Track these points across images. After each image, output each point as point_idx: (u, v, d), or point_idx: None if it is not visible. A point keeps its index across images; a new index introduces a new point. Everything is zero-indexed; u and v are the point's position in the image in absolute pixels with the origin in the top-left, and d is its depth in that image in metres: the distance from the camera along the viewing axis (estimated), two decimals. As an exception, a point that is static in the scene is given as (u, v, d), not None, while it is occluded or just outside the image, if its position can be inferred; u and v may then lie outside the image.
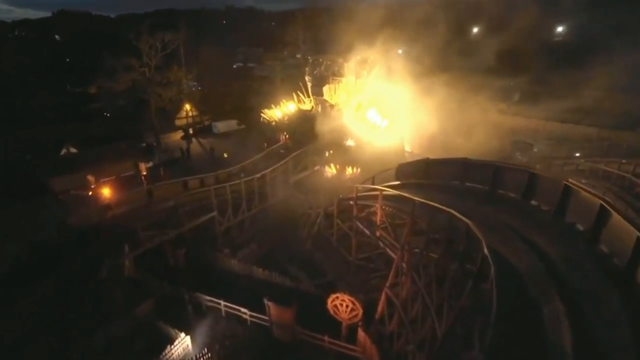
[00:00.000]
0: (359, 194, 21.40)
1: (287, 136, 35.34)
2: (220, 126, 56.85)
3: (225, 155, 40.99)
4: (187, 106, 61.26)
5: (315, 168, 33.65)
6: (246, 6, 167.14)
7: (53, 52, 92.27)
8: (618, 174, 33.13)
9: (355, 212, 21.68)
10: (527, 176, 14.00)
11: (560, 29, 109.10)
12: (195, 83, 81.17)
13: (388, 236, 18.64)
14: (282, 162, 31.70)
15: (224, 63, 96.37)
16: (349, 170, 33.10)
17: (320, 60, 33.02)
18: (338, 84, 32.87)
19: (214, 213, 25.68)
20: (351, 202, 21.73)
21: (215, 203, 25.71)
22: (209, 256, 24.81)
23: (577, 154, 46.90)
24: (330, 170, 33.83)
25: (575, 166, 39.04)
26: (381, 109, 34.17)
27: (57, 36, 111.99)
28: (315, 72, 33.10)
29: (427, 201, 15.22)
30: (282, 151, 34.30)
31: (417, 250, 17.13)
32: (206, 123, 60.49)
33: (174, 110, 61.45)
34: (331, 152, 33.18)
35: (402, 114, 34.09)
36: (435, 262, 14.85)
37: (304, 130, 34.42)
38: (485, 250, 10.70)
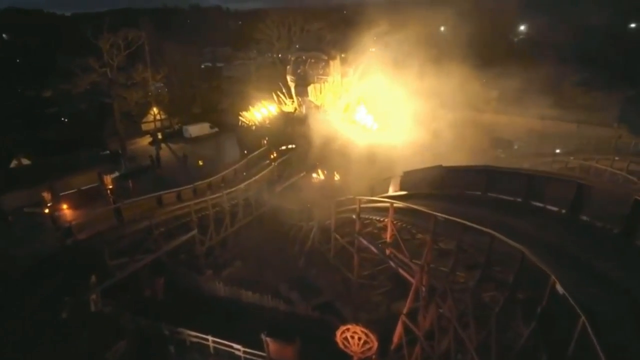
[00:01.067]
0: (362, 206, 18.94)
1: (268, 140, 32.44)
2: (192, 130, 52.89)
3: (201, 163, 37.49)
4: (155, 109, 56.79)
5: (301, 175, 30.96)
6: (212, 5, 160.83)
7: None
8: (611, 171, 32.56)
9: (358, 227, 19.21)
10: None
11: (522, 27, 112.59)
12: (161, 84, 76.45)
13: (402, 255, 16.27)
14: (266, 170, 28.85)
15: (191, 63, 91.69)
16: (338, 176, 30.67)
17: (304, 57, 30.33)
18: (324, 83, 30.32)
19: (194, 232, 22.49)
20: (353, 216, 19.20)
21: (195, 220, 22.51)
22: (190, 282, 21.63)
23: (558, 150, 46.77)
24: (318, 177, 31.26)
25: (564, 164, 38.45)
26: (371, 110, 31.94)
27: (4, 35, 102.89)
28: (298, 70, 30.38)
29: (455, 218, 12.92)
30: (264, 157, 31.40)
31: (437, 271, 15.05)
32: (176, 127, 56.29)
33: (141, 114, 56.93)
34: (318, 156, 30.59)
35: (390, 115, 32.01)
36: (471, 290, 12.61)
37: (287, 134, 31.63)
38: (560, 289, 8.48)
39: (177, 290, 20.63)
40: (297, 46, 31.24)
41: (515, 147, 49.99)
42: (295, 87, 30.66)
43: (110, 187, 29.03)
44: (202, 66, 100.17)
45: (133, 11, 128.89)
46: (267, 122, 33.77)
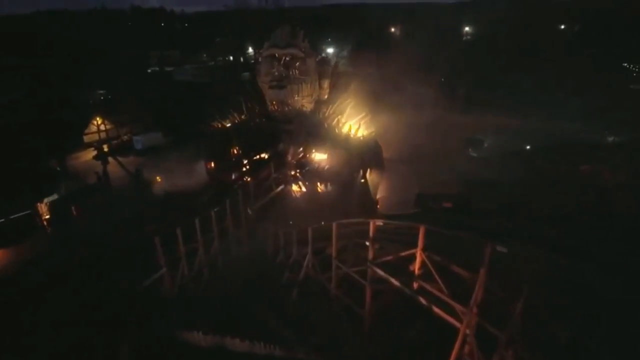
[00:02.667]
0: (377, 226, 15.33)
1: (239, 151, 27.96)
2: (144, 140, 46.62)
3: (159, 179, 32.07)
4: (98, 119, 49.76)
5: (279, 188, 26.86)
6: (156, 6, 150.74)
7: None
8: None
9: (371, 254, 15.59)
10: None
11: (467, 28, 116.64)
12: (102, 91, 68.60)
13: (438, 292, 12.88)
14: (239, 184, 24.49)
15: (136, 67, 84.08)
16: (321, 188, 26.91)
17: (277, 55, 26.26)
18: (302, 85, 26.48)
19: (163, 270, 17.75)
20: (367, 243, 15.54)
21: (162, 256, 17.77)
22: (162, 337, 16.88)
23: (528, 147, 46.37)
24: (298, 189, 27.30)
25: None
26: (352, 114, 28.60)
27: None
28: (273, 70, 26.23)
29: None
30: (235, 170, 26.93)
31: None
32: (125, 137, 49.59)
33: (82, 123, 49.69)
34: (298, 167, 26.67)
35: (369, 120, 29.00)
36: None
37: (261, 142, 27.37)
38: None
39: (146, 353, 15.82)
40: (268, 43, 26.93)
41: (486, 145, 49.13)
42: (270, 88, 26.49)
43: (47, 217, 23.19)
44: (149, 70, 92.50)
45: (64, 12, 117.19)
46: (236, 129, 29.24)
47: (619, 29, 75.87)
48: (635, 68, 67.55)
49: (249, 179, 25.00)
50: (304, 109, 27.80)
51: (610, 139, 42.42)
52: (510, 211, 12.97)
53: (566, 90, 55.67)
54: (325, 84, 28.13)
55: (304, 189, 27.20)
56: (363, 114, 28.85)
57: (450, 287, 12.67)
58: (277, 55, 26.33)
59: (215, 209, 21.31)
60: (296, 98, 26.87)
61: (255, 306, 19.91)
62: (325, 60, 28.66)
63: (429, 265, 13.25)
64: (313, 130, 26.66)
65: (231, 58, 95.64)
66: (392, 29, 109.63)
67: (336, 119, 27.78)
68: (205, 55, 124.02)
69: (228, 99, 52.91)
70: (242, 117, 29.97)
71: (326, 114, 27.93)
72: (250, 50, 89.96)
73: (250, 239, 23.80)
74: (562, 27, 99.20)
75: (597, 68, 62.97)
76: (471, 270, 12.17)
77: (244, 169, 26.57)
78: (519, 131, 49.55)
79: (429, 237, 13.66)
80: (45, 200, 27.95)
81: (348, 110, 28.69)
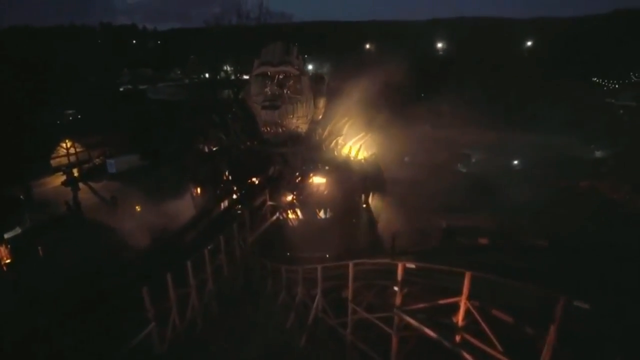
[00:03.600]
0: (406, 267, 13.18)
1: (229, 176, 25.38)
2: (118, 164, 43.09)
3: (138, 209, 28.91)
4: (68, 141, 45.82)
5: (274, 217, 24.42)
6: (127, 23, 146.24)
7: None
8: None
9: (399, 300, 13.41)
10: None
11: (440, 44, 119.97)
12: (71, 111, 64.34)
13: (490, 349, 10.83)
14: (234, 215, 21.88)
15: (107, 86, 79.94)
16: (321, 215, 24.64)
17: (269, 73, 24.11)
18: (297, 104, 24.37)
19: (152, 325, 14.88)
20: (395, 288, 13.33)
21: (151, 308, 14.91)
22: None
23: (516, 162, 45.96)
24: (295, 217, 24.92)
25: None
26: (350, 135, 26.72)
27: None
28: (266, 89, 23.99)
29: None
30: (225, 198, 24.27)
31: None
32: (97, 161, 45.79)
33: (49, 146, 45.62)
34: (295, 192, 24.35)
35: (369, 140, 27.24)
36: None
37: (253, 167, 24.93)
38: None
39: None
40: (259, 60, 24.76)
41: (473, 160, 48.45)
42: (263, 109, 24.21)
43: (7, 261, 19.71)
44: (121, 89, 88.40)
45: (32, 29, 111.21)
46: (226, 149, 26.66)
47: (585, 46, 78.82)
48: (604, 82, 69.70)
49: (241, 208, 22.39)
50: (299, 130, 25.62)
51: (598, 152, 42.50)
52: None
53: (544, 105, 56.30)
54: (321, 102, 26.12)
55: (301, 217, 24.85)
56: (362, 134, 27.00)
57: (504, 344, 10.65)
58: (269, 73, 24.18)
59: (209, 246, 18.61)
60: (291, 119, 24.70)
61: (257, 356, 17.34)
62: (320, 77, 26.74)
63: (477, 316, 11.19)
64: (310, 153, 24.50)
65: (207, 75, 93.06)
66: (367, 46, 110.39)
67: (335, 141, 25.76)
68: (179, 72, 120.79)
69: (209, 119, 50.02)
70: (230, 139, 27.44)
71: (323, 135, 25.87)
72: (228, 67, 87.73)
73: (247, 277, 21.16)
74: (529, 44, 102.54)
75: (570, 83, 64.48)
76: (533, 325, 10.23)
77: (235, 197, 23.94)
78: (504, 145, 49.28)
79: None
80: (6, 236, 24.39)
81: (346, 130, 26.80)
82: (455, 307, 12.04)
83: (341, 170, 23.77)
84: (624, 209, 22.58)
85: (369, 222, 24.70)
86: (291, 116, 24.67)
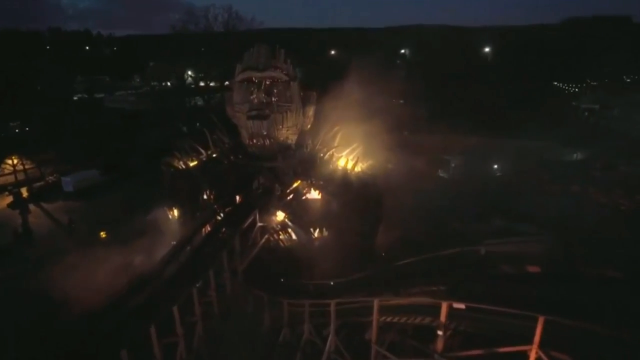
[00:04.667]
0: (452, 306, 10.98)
1: (210, 196, 22.28)
2: (75, 181, 38.28)
3: (103, 235, 25.02)
4: (14, 157, 40.39)
5: (264, 239, 21.61)
6: (79, 29, 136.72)
7: None
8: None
9: (440, 345, 11.18)
10: None
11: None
12: (14, 123, 57.66)
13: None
14: (221, 241, 18.87)
15: (59, 95, 73.12)
16: (316, 235, 22.12)
17: (255, 80, 21.34)
18: (286, 113, 21.77)
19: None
20: (440, 332, 11.06)
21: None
22: None
23: (495, 166, 45.59)
24: (288, 238, 22.22)
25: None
26: (342, 145, 24.45)
27: None
28: (251, 97, 21.16)
29: None
30: (210, 220, 21.17)
31: None
32: (50, 178, 40.65)
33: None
34: (287, 211, 21.66)
35: (363, 150, 25.14)
36: None
37: (238, 184, 22.01)
38: None
39: None
40: (242, 65, 21.96)
41: (453, 165, 47.71)
42: (249, 119, 21.38)
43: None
44: (75, 98, 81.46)
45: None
46: (206, 165, 23.52)
47: (542, 52, 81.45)
48: (565, 86, 72.20)
49: (228, 232, 19.45)
50: (289, 141, 23.04)
51: (576, 155, 42.91)
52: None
53: (516, 109, 56.90)
54: (310, 111, 23.66)
55: (295, 238, 22.19)
56: (355, 145, 24.81)
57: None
58: (254, 79, 21.46)
59: (196, 284, 15.60)
60: (280, 129, 22.04)
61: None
62: (307, 86, 24.33)
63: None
64: (303, 166, 21.97)
65: (169, 83, 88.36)
66: (332, 52, 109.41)
67: (329, 152, 23.38)
68: (139, 80, 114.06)
69: (177, 129, 45.98)
70: (210, 153, 24.38)
71: (317, 147, 23.43)
72: (190, 73, 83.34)
73: (241, 314, 18.22)
74: (487, 50, 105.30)
75: (535, 88, 66.10)
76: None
77: (220, 219, 20.91)
78: (482, 150, 48.97)
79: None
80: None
81: (338, 141, 24.54)
82: (518, 357, 10.02)
83: (338, 184, 21.37)
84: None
85: (369, 238, 22.51)
86: (280, 126, 22.04)
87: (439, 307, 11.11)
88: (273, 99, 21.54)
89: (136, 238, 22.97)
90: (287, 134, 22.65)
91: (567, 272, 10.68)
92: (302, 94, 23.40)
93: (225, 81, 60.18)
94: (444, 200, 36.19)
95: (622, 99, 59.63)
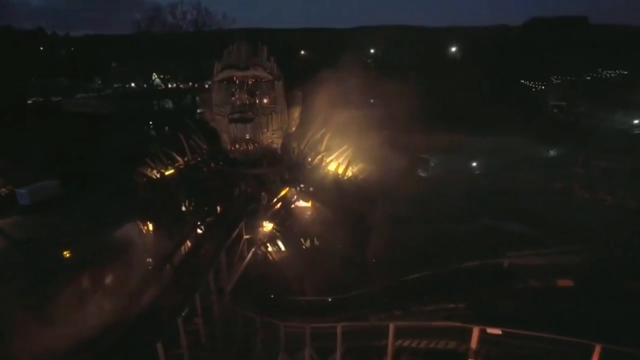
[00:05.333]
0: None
1: (192, 206, 20.17)
2: (32, 193, 34.63)
3: (67, 255, 22.24)
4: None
5: (251, 251, 19.78)
6: (32, 28, 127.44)
7: None
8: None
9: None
10: None
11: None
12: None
13: None
14: (205, 259, 16.87)
15: (8, 98, 67.41)
16: (307, 245, 20.50)
17: (236, 80, 19.41)
18: (271, 115, 19.98)
19: None
20: (471, 360, 9.76)
21: None
22: None
23: (474, 163, 45.57)
24: (277, 251, 20.48)
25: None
26: (331, 148, 22.96)
27: None
28: (233, 98, 19.22)
29: None
30: (190, 234, 19.07)
31: None
32: (2, 190, 36.65)
33: None
34: (275, 220, 19.92)
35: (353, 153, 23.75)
36: None
37: (220, 194, 20.03)
38: None
39: None
40: (221, 64, 19.98)
41: (432, 164, 47.37)
42: (231, 122, 19.45)
43: None
44: (29, 102, 75.49)
45: None
46: (184, 173, 21.34)
47: (507, 52, 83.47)
48: (532, 84, 74.13)
49: (211, 247, 17.50)
50: (274, 145, 21.28)
51: (552, 152, 43.50)
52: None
53: (489, 107, 57.46)
54: (296, 112, 21.98)
55: (283, 249, 20.48)
56: (344, 147, 23.37)
57: None
58: (236, 79, 19.56)
59: (183, 313, 13.62)
60: (265, 133, 20.26)
61: None
62: (292, 83, 22.61)
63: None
64: (291, 173, 20.28)
65: (133, 85, 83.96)
66: (302, 52, 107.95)
67: (319, 156, 21.81)
68: (100, 82, 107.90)
69: (144, 134, 43.19)
70: (187, 160, 22.21)
71: (301, 150, 21.81)
72: (157, 75, 79.30)
73: (231, 340, 16.32)
74: (454, 49, 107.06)
75: (504, 86, 67.36)
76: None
77: (202, 232, 18.88)
78: (460, 148, 48.95)
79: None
80: None
81: (325, 144, 23.03)
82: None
83: (330, 191, 19.85)
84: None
85: (363, 247, 21.13)
86: (265, 130, 20.27)
87: (466, 331, 9.86)
88: (257, 100, 19.71)
89: (106, 257, 20.49)
90: (272, 137, 20.90)
91: (605, 286, 9.66)
92: (286, 94, 21.65)
93: (196, 82, 57.34)
94: (427, 200, 35.50)
95: (585, 96, 61.72)
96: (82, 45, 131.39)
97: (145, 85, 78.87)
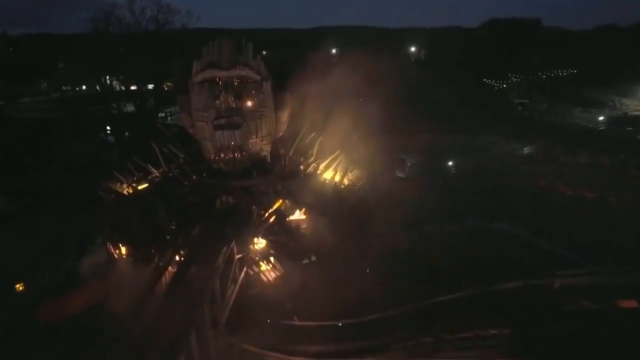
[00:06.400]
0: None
1: (172, 224, 17.61)
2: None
3: (20, 288, 18.79)
4: None
5: (243, 273, 17.59)
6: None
7: None
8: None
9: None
10: None
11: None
12: None
13: None
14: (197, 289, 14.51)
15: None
16: (304, 261, 18.62)
17: (219, 81, 17.04)
18: (260, 120, 17.78)
19: None
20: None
21: None
22: None
23: (450, 163, 45.43)
24: (273, 270, 18.41)
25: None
26: (323, 154, 21.10)
27: None
28: (217, 101, 16.78)
29: None
30: (170, 258, 16.54)
31: None
32: None
33: None
34: (269, 237, 17.84)
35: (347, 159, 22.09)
36: None
37: (204, 210, 17.65)
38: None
39: None
40: (200, 63, 17.60)
41: (409, 164, 46.81)
42: (216, 129, 17.05)
43: None
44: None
45: None
46: (160, 188, 18.65)
47: (472, 52, 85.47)
48: (494, 83, 76.25)
49: (201, 271, 15.19)
50: (263, 153, 19.13)
51: (526, 149, 44.20)
52: None
53: (458, 106, 58.01)
54: (284, 116, 19.91)
55: (279, 268, 18.44)
56: (337, 153, 21.56)
57: None
58: (218, 79, 17.25)
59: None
60: (254, 140, 18.08)
61: None
62: (280, 84, 20.49)
63: None
64: (284, 182, 18.27)
65: (84, 88, 77.73)
66: (264, 52, 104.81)
67: (313, 164, 19.89)
68: (45, 85, 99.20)
69: (102, 140, 39.77)
70: (163, 171, 19.55)
71: (295, 158, 19.84)
72: (112, 76, 73.55)
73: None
74: (412, 49, 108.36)
75: (468, 85, 68.55)
76: None
77: (187, 256, 16.44)
78: (435, 148, 48.79)
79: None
80: None
81: (317, 149, 21.15)
82: None
83: (329, 201, 18.10)
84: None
85: (365, 258, 19.56)
86: (254, 136, 18.09)
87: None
88: (243, 103, 17.50)
89: (69, 289, 17.50)
90: (261, 144, 18.75)
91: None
92: (273, 96, 19.57)
93: (159, 83, 53.37)
94: (408, 201, 34.53)
95: (544, 94, 64.15)
96: (23, 44, 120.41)
97: (98, 88, 72.99)
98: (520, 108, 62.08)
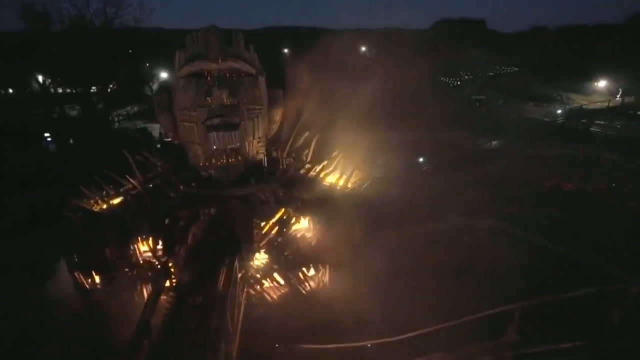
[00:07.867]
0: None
1: (154, 247, 14.89)
2: None
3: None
4: None
5: (245, 293, 15.36)
6: None
7: None
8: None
9: None
10: None
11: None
12: None
13: None
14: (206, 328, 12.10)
15: None
16: (310, 274, 16.75)
17: (209, 74, 14.63)
18: (257, 119, 15.57)
19: None
20: None
21: None
22: None
23: (421, 159, 45.31)
24: (276, 288, 16.34)
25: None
26: (322, 156, 19.30)
27: None
28: (209, 98, 14.30)
29: None
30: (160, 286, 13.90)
31: None
32: None
33: None
34: (272, 251, 15.74)
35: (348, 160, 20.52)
36: None
37: (195, 225, 15.16)
38: None
39: None
40: (186, 54, 15.08)
41: (380, 162, 46.14)
42: (210, 131, 14.55)
43: None
44: None
45: None
46: (141, 203, 15.77)
47: (424, 51, 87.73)
48: (450, 80, 78.75)
49: (208, 303, 12.80)
50: (260, 156, 16.93)
51: (494, 143, 45.33)
52: None
53: (420, 103, 58.52)
54: (278, 115, 17.80)
55: (283, 284, 16.43)
56: (336, 153, 19.85)
57: None
58: (208, 73, 14.83)
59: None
60: (251, 141, 15.85)
61: None
62: (274, 80, 18.34)
63: None
64: (286, 189, 16.25)
65: (10, 91, 69.31)
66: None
67: (318, 168, 17.96)
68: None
69: (42, 149, 35.71)
70: (140, 182, 16.64)
71: (300, 162, 17.82)
72: (41, 78, 65.99)
73: None
74: (363, 49, 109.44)
75: (426, 83, 69.79)
76: None
77: (180, 281, 13.88)
78: (403, 144, 48.62)
79: None
80: None
81: (314, 150, 19.30)
82: None
83: (334, 206, 16.38)
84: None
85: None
86: (252, 138, 15.86)
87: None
88: (239, 100, 15.22)
89: (29, 329, 14.19)
90: (257, 147, 16.56)
91: None
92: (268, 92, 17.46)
93: (105, 85, 48.24)
94: (384, 200, 33.63)
95: (497, 90, 67.22)
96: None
97: (29, 91, 65.09)
98: (478, 104, 64.43)
